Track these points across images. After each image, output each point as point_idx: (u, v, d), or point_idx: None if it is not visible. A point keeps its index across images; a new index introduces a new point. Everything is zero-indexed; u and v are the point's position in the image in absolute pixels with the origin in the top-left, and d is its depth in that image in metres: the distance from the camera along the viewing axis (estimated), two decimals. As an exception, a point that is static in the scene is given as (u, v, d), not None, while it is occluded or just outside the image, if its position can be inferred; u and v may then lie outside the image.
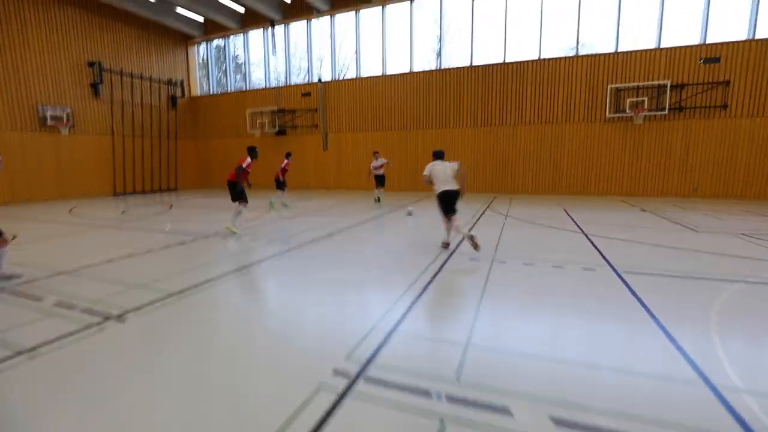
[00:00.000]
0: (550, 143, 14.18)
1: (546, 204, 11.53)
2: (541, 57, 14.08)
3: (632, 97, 12.85)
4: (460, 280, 4.67)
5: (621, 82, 13.07)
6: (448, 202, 5.74)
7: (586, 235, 6.80)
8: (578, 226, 7.68)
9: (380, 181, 11.88)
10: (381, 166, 11.79)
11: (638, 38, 13.05)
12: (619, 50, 13.19)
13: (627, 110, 12.83)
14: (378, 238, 7.35)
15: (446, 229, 5.95)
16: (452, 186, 5.75)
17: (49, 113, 14.32)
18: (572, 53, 13.80)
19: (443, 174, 5.81)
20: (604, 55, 13.27)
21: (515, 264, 5.09)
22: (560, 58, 13.82)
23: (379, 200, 11.90)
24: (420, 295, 3.97)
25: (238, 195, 7.25)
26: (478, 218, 8.89)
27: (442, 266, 4.99)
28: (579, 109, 13.74)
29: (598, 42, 13.55)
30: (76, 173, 15.34)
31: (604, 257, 5.33)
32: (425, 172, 5.99)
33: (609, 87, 13.09)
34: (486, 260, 5.26)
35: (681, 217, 8.72)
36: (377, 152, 12.18)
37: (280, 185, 11.31)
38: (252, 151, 7.38)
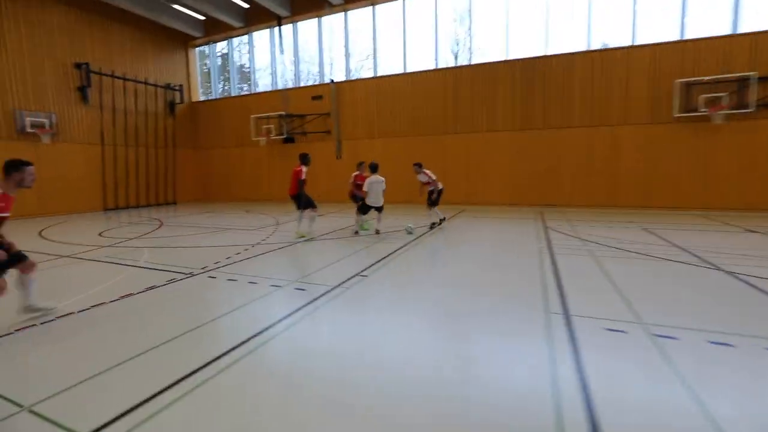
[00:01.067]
0: (604, 148, 12.11)
1: (612, 220, 9.41)
2: (591, 47, 12.13)
3: (706, 93, 10.79)
4: (620, 360, 2.60)
5: (691, 76, 11.02)
6: (378, 211, 7.83)
7: (738, 277, 4.69)
8: (702, 259, 5.58)
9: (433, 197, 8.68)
10: (429, 182, 8.60)
11: (708, 22, 11.06)
12: (686, 37, 11.20)
13: (701, 108, 10.77)
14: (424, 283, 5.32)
15: (377, 219, 7.92)
16: (382, 202, 7.76)
17: (28, 119, 12.62)
18: (628, 42, 11.82)
19: (378, 192, 7.62)
20: (670, 43, 11.26)
21: (696, 340, 3.00)
22: (615, 49, 11.84)
23: (441, 221, 8.92)
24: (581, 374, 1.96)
25: (305, 204, 7.44)
26: (550, 243, 6.81)
27: (572, 339, 2.94)
28: (639, 109, 11.69)
29: (659, 28, 11.56)
30: (60, 186, 13.55)
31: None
32: (365, 188, 7.49)
33: (676, 81, 11.06)
34: (636, 331, 3.18)
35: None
36: (419, 164, 8.82)
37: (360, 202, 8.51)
38: (304, 158, 7.39)
